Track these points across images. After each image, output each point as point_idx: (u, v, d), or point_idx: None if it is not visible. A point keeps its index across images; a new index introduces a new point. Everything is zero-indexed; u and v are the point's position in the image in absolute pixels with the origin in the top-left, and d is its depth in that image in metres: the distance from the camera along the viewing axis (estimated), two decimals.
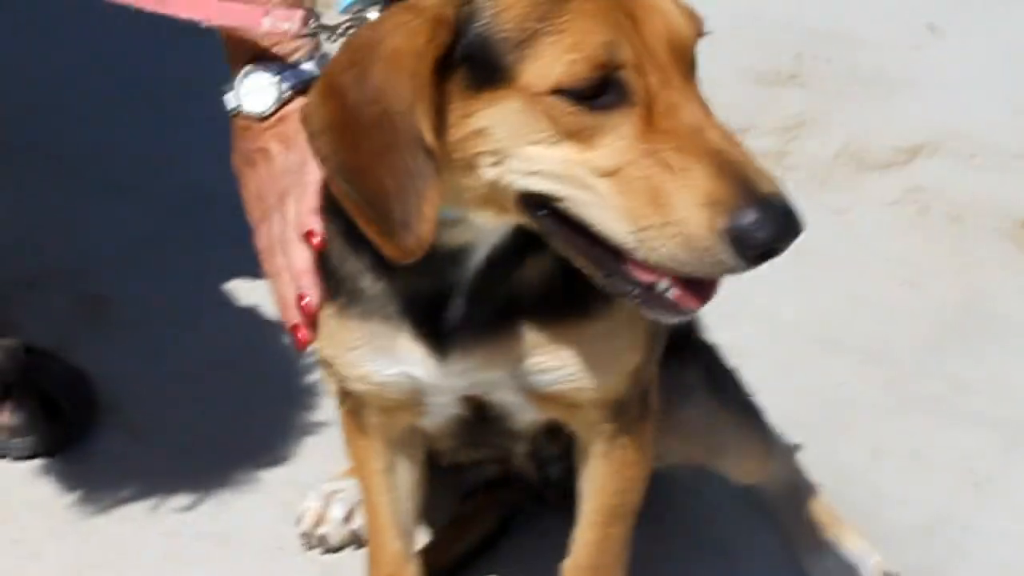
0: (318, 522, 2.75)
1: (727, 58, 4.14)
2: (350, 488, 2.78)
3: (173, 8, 2.08)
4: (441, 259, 1.93)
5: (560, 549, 2.63)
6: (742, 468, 2.66)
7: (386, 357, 2.04)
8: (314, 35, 2.12)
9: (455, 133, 1.74)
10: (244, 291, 3.32)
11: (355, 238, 1.94)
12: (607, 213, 1.69)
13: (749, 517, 2.81)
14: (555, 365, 2.04)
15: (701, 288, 1.76)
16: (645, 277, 1.75)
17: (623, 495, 2.30)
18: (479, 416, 2.16)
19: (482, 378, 2.05)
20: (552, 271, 1.98)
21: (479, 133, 1.73)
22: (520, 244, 1.95)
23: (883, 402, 3.10)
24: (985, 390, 3.13)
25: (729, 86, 3.98)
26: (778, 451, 2.72)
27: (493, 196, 1.79)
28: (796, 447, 2.86)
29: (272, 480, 2.90)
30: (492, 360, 2.02)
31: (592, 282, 1.90)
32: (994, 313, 3.35)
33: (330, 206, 2.01)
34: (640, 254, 1.69)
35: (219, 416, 3.03)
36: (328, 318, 2.07)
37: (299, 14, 2.09)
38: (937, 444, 3.00)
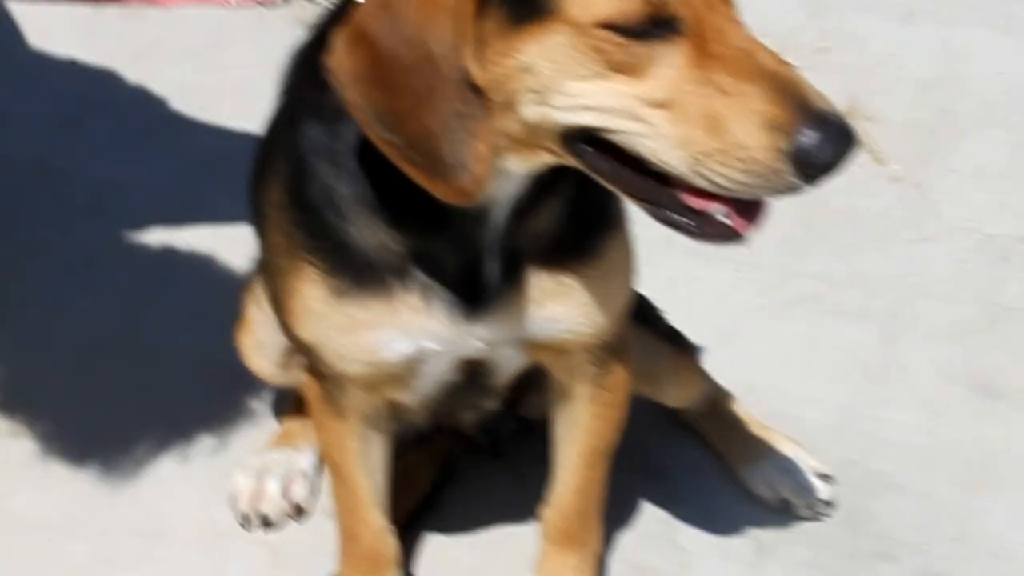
0: (255, 500, 2.68)
1: None
2: (282, 459, 2.72)
3: None
4: (469, 217, 1.89)
5: (505, 496, 2.67)
6: (678, 392, 2.69)
7: (398, 333, 1.98)
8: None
9: (494, 71, 1.68)
10: (111, 269, 3.21)
11: (376, 204, 1.88)
12: (662, 143, 1.66)
13: (682, 441, 2.86)
14: (562, 313, 2.03)
15: (752, 211, 1.74)
16: (698, 204, 1.72)
17: (607, 436, 2.33)
18: (468, 378, 2.14)
19: (500, 336, 2.02)
20: (561, 216, 1.97)
21: (522, 70, 1.67)
22: (536, 191, 1.91)
23: (762, 307, 3.18)
24: (853, 284, 3.24)
25: None
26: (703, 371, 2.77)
27: (530, 137, 1.74)
28: None
29: (190, 464, 2.81)
30: (511, 316, 2.00)
31: (593, 224, 1.93)
32: (841, 206, 3.44)
33: (343, 169, 1.91)
34: (698, 180, 1.67)
35: (113, 403, 2.92)
36: (322, 300, 1.97)
37: None
38: (822, 342, 3.10)
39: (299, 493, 2.69)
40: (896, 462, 2.83)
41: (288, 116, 2.00)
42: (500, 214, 1.91)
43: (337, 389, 2.15)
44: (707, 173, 1.65)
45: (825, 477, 2.73)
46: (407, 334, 1.98)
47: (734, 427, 2.81)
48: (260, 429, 2.87)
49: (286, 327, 2.07)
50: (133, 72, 3.86)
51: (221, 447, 2.82)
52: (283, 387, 2.72)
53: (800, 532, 2.69)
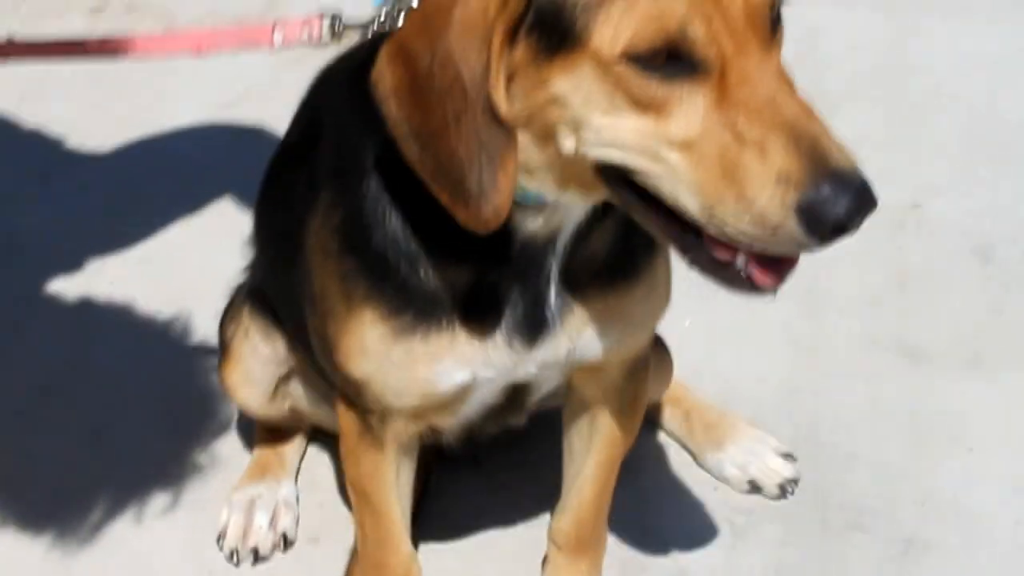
0: (244, 534, 2.66)
1: None
2: (265, 491, 2.72)
3: (166, 47, 1.94)
4: (535, 247, 1.91)
5: (484, 503, 2.72)
6: (659, 387, 2.76)
7: (457, 364, 1.98)
8: (340, 36, 2.02)
9: (530, 101, 1.68)
10: (41, 313, 3.15)
11: (444, 244, 1.90)
12: (680, 186, 1.63)
13: (641, 433, 2.88)
14: (610, 333, 2.05)
15: (779, 265, 1.69)
16: (722, 253, 1.68)
17: (627, 443, 2.38)
18: (510, 399, 2.16)
19: (554, 358, 2.03)
20: (613, 239, 1.98)
21: (555, 101, 1.66)
22: (592, 218, 1.93)
23: (685, 294, 3.24)
24: None
25: None
26: None
27: (573, 170, 1.73)
28: None
29: (160, 505, 2.76)
30: (565, 339, 2.02)
31: (639, 243, 1.95)
32: None
33: (411, 214, 1.90)
34: (712, 229, 1.63)
35: (65, 457, 2.87)
36: (382, 339, 1.97)
37: (317, 21, 2.00)
38: (751, 323, 3.19)
39: (286, 523, 2.69)
40: (845, 433, 2.95)
41: (338, 163, 1.98)
42: (562, 242, 1.93)
43: (380, 421, 2.14)
44: (719, 222, 1.61)
45: (787, 455, 2.82)
46: (466, 364, 1.99)
47: (693, 415, 2.88)
48: (227, 463, 2.86)
49: (337, 366, 2.05)
50: (23, 115, 3.77)
51: (186, 490, 2.79)
52: (266, 419, 2.70)
53: (771, 512, 2.78)
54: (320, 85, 2.17)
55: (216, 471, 2.83)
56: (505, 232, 1.86)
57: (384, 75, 1.70)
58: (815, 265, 3.27)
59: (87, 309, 3.22)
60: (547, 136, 1.71)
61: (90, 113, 3.90)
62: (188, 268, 3.36)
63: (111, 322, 3.18)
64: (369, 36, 2.05)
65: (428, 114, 1.68)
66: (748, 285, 1.70)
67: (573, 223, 1.91)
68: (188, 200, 3.60)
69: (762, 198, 1.57)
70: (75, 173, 3.66)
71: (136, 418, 2.94)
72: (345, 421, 2.20)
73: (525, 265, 1.93)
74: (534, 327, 1.98)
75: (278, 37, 2.02)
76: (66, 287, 3.27)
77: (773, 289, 1.72)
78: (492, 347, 1.98)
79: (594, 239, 1.97)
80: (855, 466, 2.87)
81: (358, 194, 1.93)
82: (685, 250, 1.73)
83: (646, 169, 1.65)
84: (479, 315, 1.96)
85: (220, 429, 2.90)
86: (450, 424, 2.22)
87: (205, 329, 3.11)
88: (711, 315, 3.19)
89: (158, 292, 3.26)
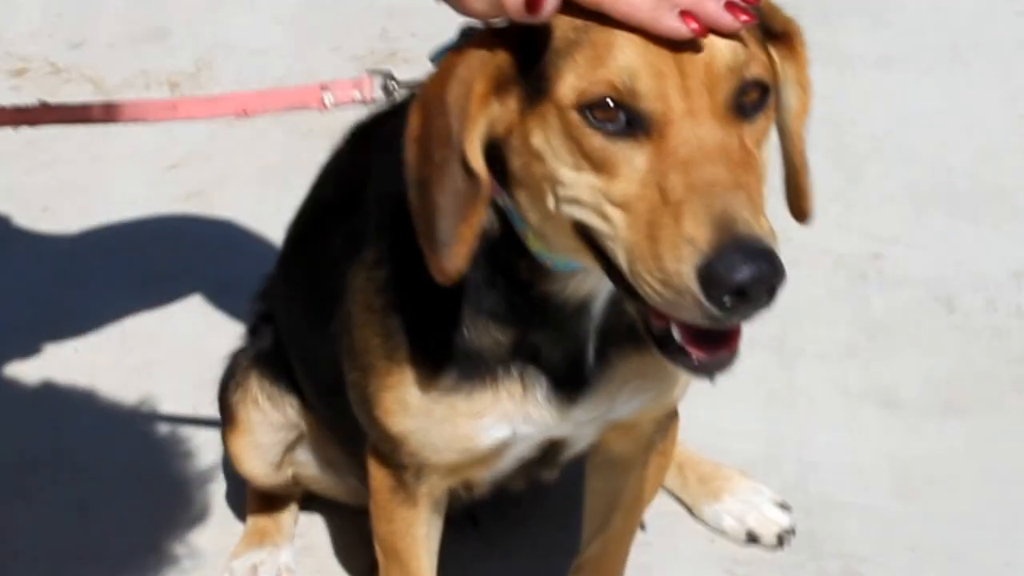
0: None
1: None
2: (266, 557, 2.69)
3: (211, 111, 1.91)
4: (574, 309, 1.91)
5: (482, 564, 2.67)
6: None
7: (499, 420, 1.98)
8: (391, 94, 2.00)
9: (520, 157, 1.70)
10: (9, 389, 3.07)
11: (490, 305, 1.89)
12: (616, 245, 1.62)
13: None
14: (647, 389, 2.05)
15: (715, 342, 1.65)
16: (658, 321, 1.66)
17: (654, 494, 2.39)
18: (544, 455, 2.14)
19: (592, 416, 2.03)
20: None
21: (535, 155, 1.67)
22: None
23: None
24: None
25: None
26: None
27: (559, 230, 1.71)
28: None
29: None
30: (604, 396, 2.02)
31: None
32: None
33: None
34: (638, 291, 1.62)
35: (42, 538, 2.81)
36: (424, 396, 1.96)
37: (367, 81, 1.97)
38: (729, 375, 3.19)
39: None
40: (832, 483, 2.97)
41: (385, 220, 1.98)
42: (598, 306, 1.93)
43: (414, 476, 2.12)
44: (639, 283, 1.60)
45: (783, 505, 2.84)
46: (507, 421, 1.99)
47: (687, 468, 2.89)
48: (203, 554, 2.78)
49: (376, 421, 2.04)
50: None
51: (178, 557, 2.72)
52: (269, 487, 2.65)
53: (770, 562, 2.80)
54: (361, 140, 2.15)
55: (194, 562, 2.74)
56: (541, 296, 1.88)
57: (410, 120, 1.72)
58: (784, 316, 3.35)
59: (49, 388, 3.15)
60: (538, 194, 1.71)
61: (27, 179, 3.82)
62: (146, 339, 3.30)
63: (77, 403, 3.11)
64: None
65: (427, 162, 1.69)
66: (684, 359, 1.66)
67: (606, 288, 1.89)
68: (137, 271, 3.54)
69: (668, 259, 1.55)
70: (23, 242, 3.60)
71: (110, 508, 2.88)
72: (377, 477, 2.18)
73: (564, 327, 1.93)
74: (573, 386, 1.98)
75: (328, 98, 1.98)
76: (26, 363, 3.20)
77: (710, 367, 1.67)
78: (532, 405, 1.98)
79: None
80: (845, 515, 2.89)
81: (405, 252, 1.91)
82: (637, 313, 1.70)
83: (596, 227, 1.65)
84: (520, 374, 1.96)
85: (197, 519, 2.83)
86: (483, 479, 2.19)
87: (172, 405, 3.06)
88: None
89: (119, 366, 3.20)
